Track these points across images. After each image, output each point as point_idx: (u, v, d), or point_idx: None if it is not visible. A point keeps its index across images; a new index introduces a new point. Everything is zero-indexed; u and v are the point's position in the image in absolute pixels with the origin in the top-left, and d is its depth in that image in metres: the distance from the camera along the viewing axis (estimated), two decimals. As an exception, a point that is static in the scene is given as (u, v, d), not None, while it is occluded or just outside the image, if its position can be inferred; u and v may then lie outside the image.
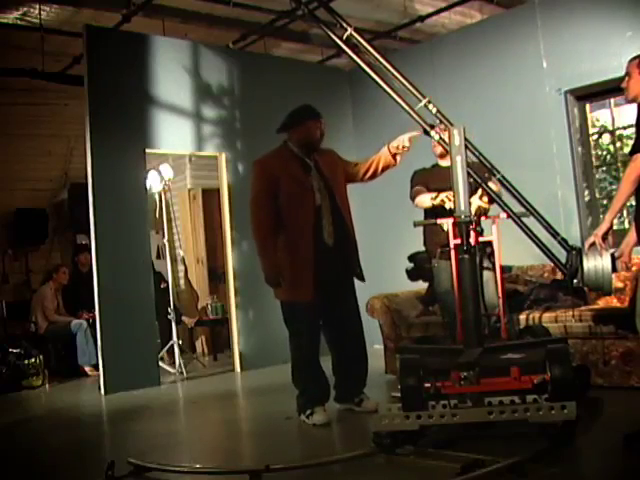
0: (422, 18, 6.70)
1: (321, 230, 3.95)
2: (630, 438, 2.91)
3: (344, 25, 3.74)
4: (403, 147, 4.03)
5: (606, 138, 6.27)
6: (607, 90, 5.57)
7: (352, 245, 4.11)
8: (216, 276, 8.22)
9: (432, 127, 3.77)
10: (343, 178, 4.15)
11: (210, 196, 8.07)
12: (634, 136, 3.11)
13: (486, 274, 4.05)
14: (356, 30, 3.73)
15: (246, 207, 6.72)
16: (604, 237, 3.24)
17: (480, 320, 3.44)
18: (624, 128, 5.94)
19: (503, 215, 3.63)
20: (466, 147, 3.46)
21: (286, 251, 3.93)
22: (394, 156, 4.08)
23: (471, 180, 3.56)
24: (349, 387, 4.16)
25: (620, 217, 5.60)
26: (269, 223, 3.95)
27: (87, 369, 6.88)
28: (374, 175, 4.20)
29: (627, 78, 3.27)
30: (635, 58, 3.27)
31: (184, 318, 7.83)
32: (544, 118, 5.87)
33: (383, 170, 4.17)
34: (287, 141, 4.10)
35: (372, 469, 3.08)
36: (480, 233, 3.86)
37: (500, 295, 3.79)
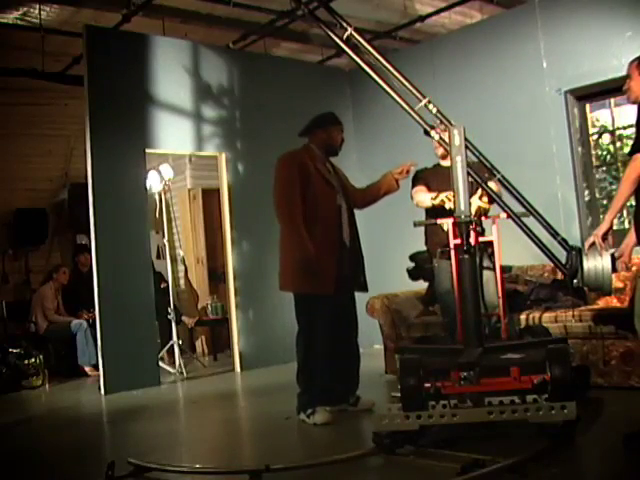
0: (422, 18, 6.69)
1: (341, 229, 4.07)
2: (630, 438, 2.92)
3: (344, 25, 3.74)
4: (407, 172, 4.23)
5: (606, 138, 6.27)
6: (607, 90, 5.57)
7: (360, 250, 4.22)
8: (216, 276, 8.22)
9: (433, 127, 3.77)
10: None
11: (210, 196, 8.07)
12: (634, 136, 3.11)
13: (486, 274, 4.05)
14: (356, 30, 3.73)
15: (246, 207, 6.75)
16: (604, 237, 3.24)
17: (480, 320, 3.44)
18: (624, 128, 5.94)
19: (503, 215, 3.63)
20: (466, 147, 3.46)
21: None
22: (397, 181, 4.25)
23: (471, 180, 3.57)
24: (345, 388, 4.16)
25: (620, 217, 5.60)
26: (301, 215, 3.95)
27: (87, 369, 6.88)
28: (373, 201, 4.37)
29: (628, 80, 3.27)
30: (636, 59, 3.27)
31: (184, 318, 7.83)
32: (544, 118, 5.87)
33: (384, 195, 4.31)
34: (309, 144, 4.20)
35: (372, 469, 3.09)
36: (480, 233, 3.87)
37: (500, 295, 3.79)
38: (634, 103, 3.25)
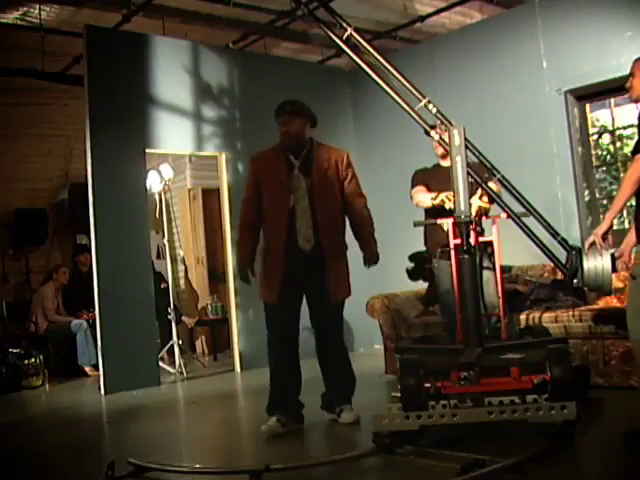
0: (422, 18, 6.69)
1: (294, 233, 3.77)
2: (630, 436, 2.93)
3: (344, 25, 3.74)
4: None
5: (606, 138, 6.27)
6: (607, 90, 5.57)
7: (331, 253, 3.82)
8: (216, 276, 8.22)
9: (433, 127, 3.77)
10: (337, 183, 3.91)
11: (210, 196, 8.07)
12: (636, 136, 3.12)
13: (486, 274, 4.05)
14: (356, 30, 3.73)
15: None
16: (604, 237, 3.25)
17: (480, 320, 3.44)
18: (624, 128, 5.94)
19: (503, 215, 3.63)
20: (466, 147, 3.46)
21: (263, 251, 3.90)
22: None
23: (471, 180, 3.56)
24: (331, 396, 3.96)
25: (620, 217, 5.60)
26: (249, 219, 3.93)
27: (87, 369, 6.88)
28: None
29: (631, 78, 3.27)
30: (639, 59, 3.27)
31: (184, 318, 7.83)
32: (544, 118, 5.87)
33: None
34: None
35: (372, 469, 3.08)
36: (480, 233, 3.86)
37: (500, 295, 3.79)
38: (636, 102, 3.26)
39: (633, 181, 3.06)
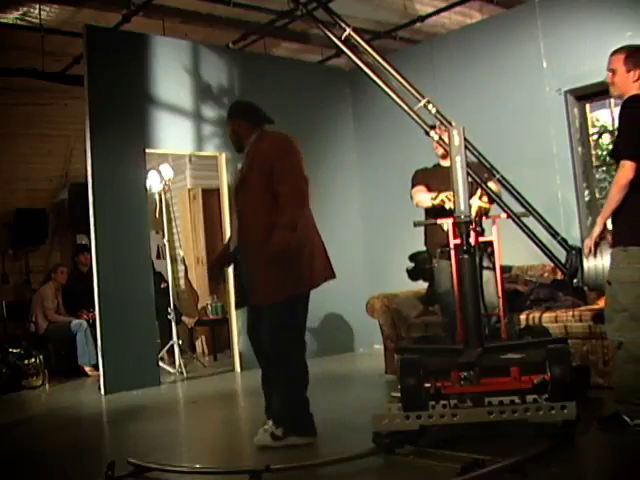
0: (422, 18, 6.70)
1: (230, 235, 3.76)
2: (603, 421, 3.10)
3: (342, 25, 3.74)
4: None
5: (606, 138, 6.27)
6: (607, 90, 5.53)
7: (251, 252, 3.49)
8: (216, 276, 8.21)
9: (432, 127, 3.77)
10: (262, 174, 3.44)
11: (210, 196, 8.08)
12: (617, 139, 3.12)
13: (486, 274, 4.05)
14: (355, 30, 3.72)
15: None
16: (601, 237, 3.27)
17: (480, 320, 3.44)
18: (624, 128, 5.93)
19: (503, 215, 3.63)
20: (466, 147, 3.45)
21: None
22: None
23: (471, 180, 3.57)
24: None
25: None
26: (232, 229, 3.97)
27: (87, 369, 6.88)
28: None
29: (611, 75, 3.25)
30: (618, 52, 3.23)
31: (184, 318, 7.83)
32: (544, 118, 5.87)
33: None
34: None
35: (372, 469, 3.08)
36: (481, 233, 3.87)
37: (500, 295, 3.79)
38: (618, 98, 3.25)
39: (620, 186, 3.08)
